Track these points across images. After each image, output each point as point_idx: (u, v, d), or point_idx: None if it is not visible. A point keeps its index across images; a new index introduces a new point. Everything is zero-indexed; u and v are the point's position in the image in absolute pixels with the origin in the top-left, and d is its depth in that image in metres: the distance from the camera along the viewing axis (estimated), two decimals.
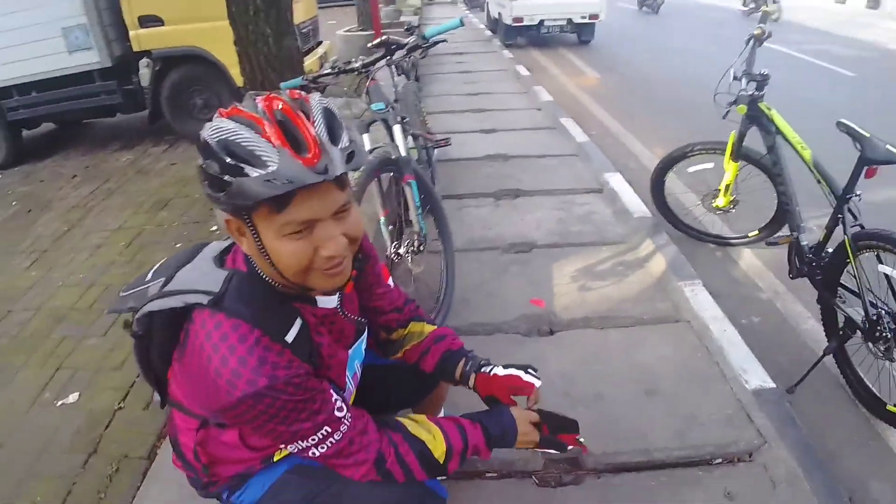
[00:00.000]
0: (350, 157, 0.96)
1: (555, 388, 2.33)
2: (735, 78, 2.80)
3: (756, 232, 3.27)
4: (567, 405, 2.24)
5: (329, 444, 1.10)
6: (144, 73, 6.14)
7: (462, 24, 2.74)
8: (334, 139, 0.95)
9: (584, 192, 4.25)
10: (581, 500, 1.92)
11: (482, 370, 1.43)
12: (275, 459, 1.26)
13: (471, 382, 1.44)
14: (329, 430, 1.08)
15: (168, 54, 6.07)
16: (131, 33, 5.93)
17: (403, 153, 2.54)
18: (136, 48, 6.03)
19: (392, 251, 2.46)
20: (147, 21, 5.87)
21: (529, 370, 1.43)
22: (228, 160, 0.90)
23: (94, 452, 2.41)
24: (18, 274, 4.06)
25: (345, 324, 1.25)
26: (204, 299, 1.02)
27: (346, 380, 1.25)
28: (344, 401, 1.14)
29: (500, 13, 12.07)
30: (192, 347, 1.03)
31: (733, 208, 3.28)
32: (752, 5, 14.19)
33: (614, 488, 1.95)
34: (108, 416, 2.60)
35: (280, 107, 0.93)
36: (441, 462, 1.21)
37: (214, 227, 4.28)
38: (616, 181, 4.22)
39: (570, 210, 3.96)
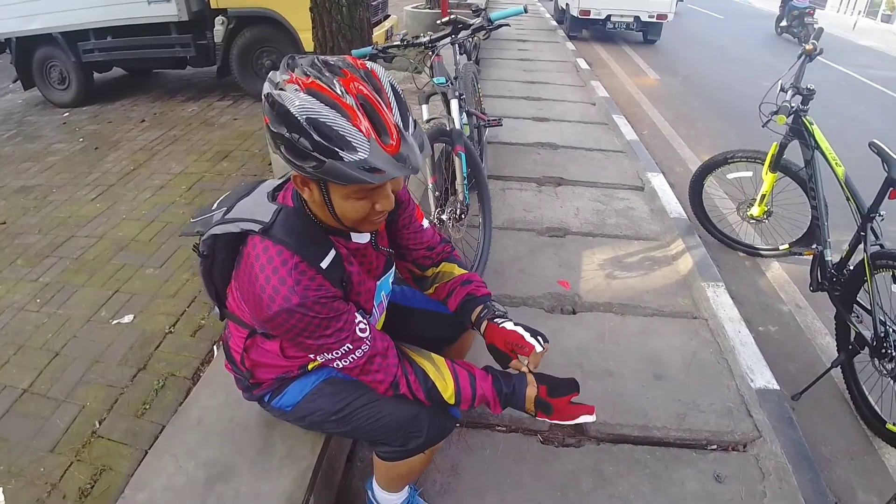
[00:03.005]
0: (422, 146, 1.12)
1: (569, 359, 2.50)
2: (782, 90, 2.83)
3: (787, 246, 3.30)
4: (579, 376, 2.36)
5: (351, 360, 1.27)
6: (219, 30, 6.30)
7: (525, 10, 2.90)
8: (405, 124, 1.08)
9: (625, 188, 4.35)
10: (579, 462, 2.08)
11: (494, 320, 1.52)
12: (309, 368, 1.47)
13: (482, 328, 1.54)
14: (350, 346, 1.25)
15: (243, 14, 6.24)
16: None
17: (458, 126, 2.68)
18: (213, 5, 6.19)
19: (435, 216, 2.62)
20: None
21: (539, 337, 1.45)
22: (321, 140, 1.01)
23: (143, 368, 2.66)
24: (84, 204, 4.36)
25: (374, 256, 1.42)
26: (256, 227, 1.21)
27: (373, 307, 1.43)
28: (368, 324, 1.31)
29: (567, 4, 11.94)
30: (245, 266, 1.23)
31: (767, 219, 3.34)
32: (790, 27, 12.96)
33: (611, 455, 2.11)
34: (158, 338, 2.85)
35: (360, 90, 1.04)
36: (451, 402, 1.37)
37: None
38: (658, 181, 4.31)
39: (609, 203, 4.07)
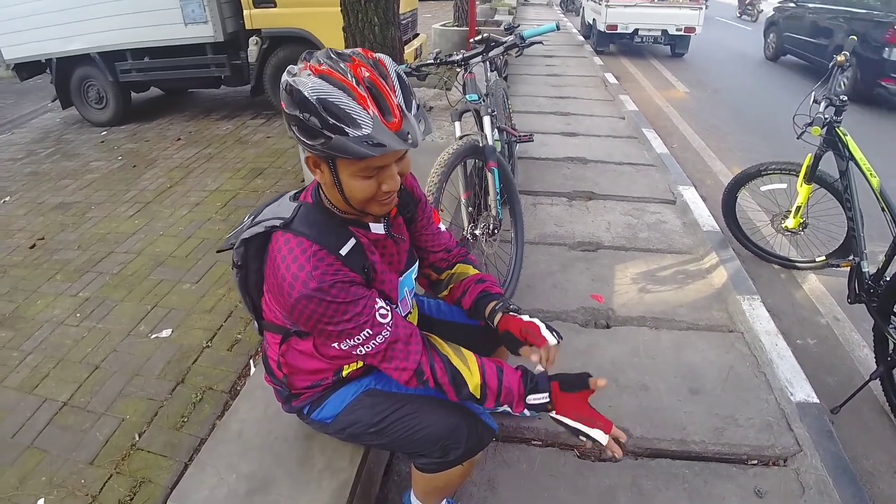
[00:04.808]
0: (423, 125, 1.20)
1: (605, 373, 2.42)
2: (815, 101, 2.81)
3: (823, 257, 3.24)
4: (614, 391, 2.40)
5: (372, 346, 1.29)
6: (253, 49, 6.43)
7: (558, 28, 2.90)
8: (408, 105, 1.17)
9: (656, 201, 4.32)
10: (616, 477, 2.06)
11: (510, 312, 1.55)
12: (344, 374, 1.49)
13: (496, 320, 1.56)
14: (370, 332, 1.27)
15: (276, 34, 6.39)
16: (245, 12, 6.28)
17: (490, 142, 2.70)
18: (248, 26, 6.35)
19: (469, 231, 2.63)
20: (261, 2, 6.20)
21: (555, 332, 1.49)
22: (329, 118, 1.09)
23: (182, 382, 2.71)
24: (122, 220, 4.47)
25: (395, 249, 1.45)
26: (278, 223, 1.28)
27: (397, 299, 1.45)
28: (391, 310, 1.33)
29: (594, 19, 11.90)
30: (269, 260, 1.29)
31: (802, 231, 3.29)
32: None
33: (649, 470, 2.09)
34: (196, 352, 2.90)
35: (367, 75, 1.12)
36: (476, 395, 1.36)
37: None
38: (690, 195, 4.27)
39: (641, 217, 4.05)
